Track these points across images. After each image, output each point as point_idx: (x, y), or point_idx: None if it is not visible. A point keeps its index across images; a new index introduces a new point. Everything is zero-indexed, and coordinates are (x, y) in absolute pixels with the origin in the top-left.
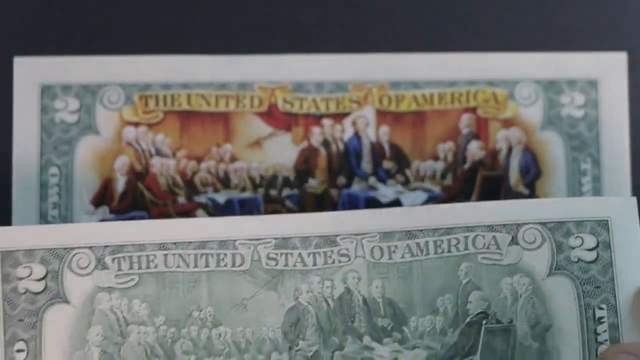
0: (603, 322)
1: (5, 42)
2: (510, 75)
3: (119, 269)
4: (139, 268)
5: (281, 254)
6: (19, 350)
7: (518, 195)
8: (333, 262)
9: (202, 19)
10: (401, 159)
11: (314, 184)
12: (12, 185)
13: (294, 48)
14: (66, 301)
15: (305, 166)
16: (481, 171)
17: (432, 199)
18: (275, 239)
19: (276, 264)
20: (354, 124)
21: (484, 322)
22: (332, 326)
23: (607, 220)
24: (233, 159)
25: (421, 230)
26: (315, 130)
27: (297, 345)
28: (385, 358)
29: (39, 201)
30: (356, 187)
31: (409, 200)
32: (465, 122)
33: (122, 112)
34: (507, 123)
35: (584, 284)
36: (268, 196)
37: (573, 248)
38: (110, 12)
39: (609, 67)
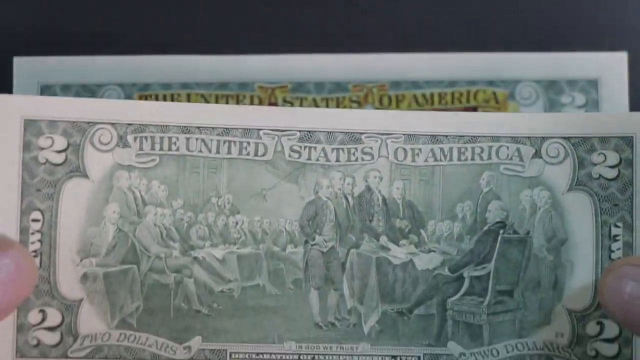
0: (618, 240)
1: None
2: (511, 75)
3: (141, 148)
4: (161, 149)
5: (305, 147)
6: (34, 220)
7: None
8: (356, 159)
9: (202, 21)
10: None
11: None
12: None
13: (294, 48)
14: (85, 175)
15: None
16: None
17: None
18: (300, 131)
19: (299, 157)
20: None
21: (501, 231)
22: (349, 223)
23: (632, 137)
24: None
25: (446, 136)
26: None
27: (313, 240)
28: (400, 259)
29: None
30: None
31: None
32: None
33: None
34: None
35: (602, 201)
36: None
37: (595, 164)
38: (109, 13)
39: (609, 67)
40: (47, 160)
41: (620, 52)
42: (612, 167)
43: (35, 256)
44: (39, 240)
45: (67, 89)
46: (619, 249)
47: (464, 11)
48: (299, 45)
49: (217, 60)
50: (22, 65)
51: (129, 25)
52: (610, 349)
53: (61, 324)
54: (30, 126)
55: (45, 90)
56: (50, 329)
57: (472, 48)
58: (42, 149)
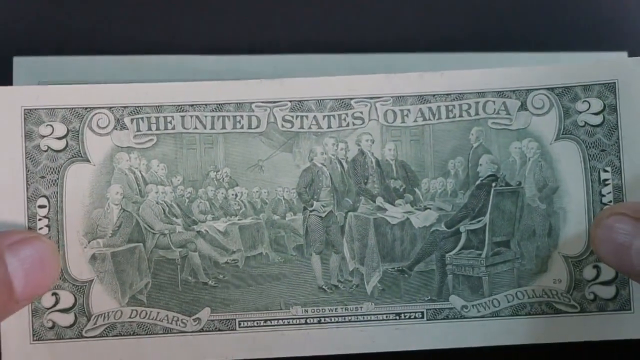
0: (608, 184)
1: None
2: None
3: (138, 130)
4: (157, 129)
5: (296, 116)
6: (40, 206)
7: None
8: (347, 124)
9: (202, 22)
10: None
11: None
12: None
13: (294, 48)
14: (87, 160)
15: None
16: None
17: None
18: (291, 101)
19: (292, 126)
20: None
21: (493, 184)
22: (345, 187)
23: (615, 83)
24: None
25: (433, 95)
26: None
27: (312, 206)
28: (397, 219)
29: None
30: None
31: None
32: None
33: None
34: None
35: (589, 147)
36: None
37: (580, 112)
38: (108, 13)
39: (627, 69)
40: (48, 147)
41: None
42: (596, 113)
43: None
44: (47, 226)
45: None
46: (609, 192)
47: (469, 13)
48: (301, 45)
49: (217, 60)
50: (22, 65)
51: (129, 25)
52: (608, 292)
53: (74, 305)
54: (30, 115)
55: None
56: (64, 310)
57: (480, 48)
58: (43, 136)
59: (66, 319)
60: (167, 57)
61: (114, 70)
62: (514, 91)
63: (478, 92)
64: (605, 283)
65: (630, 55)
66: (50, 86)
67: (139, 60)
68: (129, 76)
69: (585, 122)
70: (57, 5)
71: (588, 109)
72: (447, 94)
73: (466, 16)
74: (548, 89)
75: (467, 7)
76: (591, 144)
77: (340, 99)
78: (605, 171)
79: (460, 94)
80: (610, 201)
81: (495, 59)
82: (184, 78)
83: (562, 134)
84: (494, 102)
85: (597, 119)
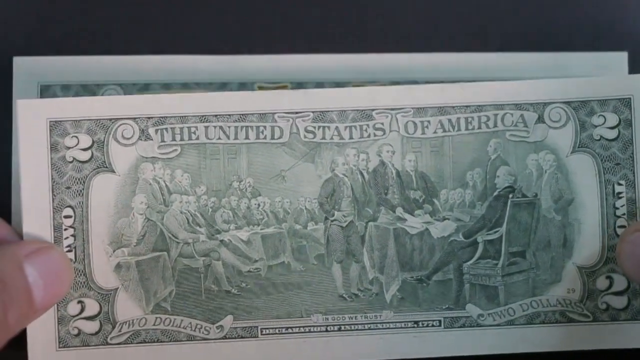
0: (622, 197)
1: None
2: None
3: (162, 140)
4: (181, 139)
5: (319, 127)
6: (66, 216)
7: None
8: (369, 135)
9: (207, 23)
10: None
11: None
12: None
13: (295, 48)
14: (112, 170)
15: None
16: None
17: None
18: (314, 112)
19: (314, 137)
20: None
21: (510, 195)
22: (366, 198)
23: (630, 98)
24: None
25: (453, 107)
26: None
27: (333, 216)
28: (416, 229)
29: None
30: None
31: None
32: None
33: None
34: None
35: (604, 160)
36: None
37: (596, 126)
38: (108, 13)
39: None
40: (74, 158)
41: None
42: (612, 128)
43: (70, 251)
44: (73, 235)
45: (66, 89)
46: (622, 205)
47: (468, 13)
48: (301, 45)
49: (217, 60)
50: (22, 65)
51: (129, 25)
52: (620, 302)
53: (99, 312)
54: (56, 127)
55: (45, 90)
56: (89, 318)
57: (479, 49)
58: (69, 148)
59: (91, 327)
60: (168, 57)
61: (114, 71)
62: (531, 104)
63: (496, 105)
64: (618, 293)
65: (631, 55)
66: (76, 98)
67: (139, 60)
68: (129, 77)
69: (601, 136)
70: (57, 6)
71: (604, 123)
72: (467, 106)
73: (465, 16)
74: (565, 102)
75: (466, 7)
76: (606, 157)
77: (362, 110)
78: (620, 184)
79: (479, 106)
80: (624, 214)
81: (494, 60)
82: (184, 79)
83: (578, 147)
84: (512, 114)
85: (613, 133)
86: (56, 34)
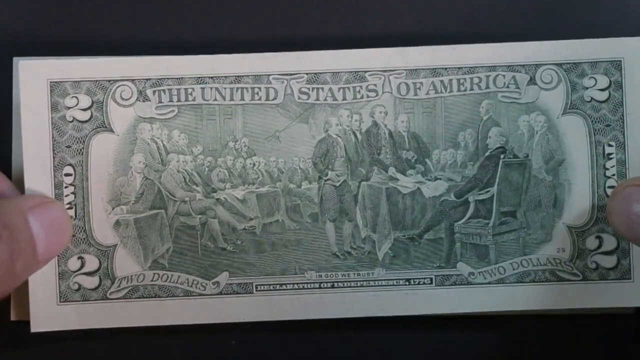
0: (612, 158)
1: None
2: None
3: (160, 101)
4: (178, 100)
5: (313, 88)
6: (67, 174)
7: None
8: (362, 97)
9: (210, 17)
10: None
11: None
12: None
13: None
14: (110, 130)
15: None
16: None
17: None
18: (307, 74)
19: (308, 98)
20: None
21: (502, 156)
22: (359, 158)
23: (621, 61)
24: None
25: (446, 69)
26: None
27: (326, 175)
28: (408, 188)
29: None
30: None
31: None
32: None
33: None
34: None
35: (595, 122)
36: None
37: (587, 88)
38: (108, 13)
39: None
40: (74, 118)
41: None
42: (602, 90)
43: (70, 208)
44: (73, 193)
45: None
46: (612, 166)
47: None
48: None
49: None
50: (22, 65)
51: (129, 25)
52: (610, 261)
53: (99, 268)
54: (56, 88)
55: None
56: (89, 273)
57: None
58: (69, 108)
59: (91, 282)
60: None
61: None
62: (523, 65)
63: (489, 66)
64: (607, 253)
65: None
66: (75, 59)
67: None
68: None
69: (592, 98)
70: (57, 6)
71: (594, 85)
72: (459, 68)
73: (465, 6)
74: (557, 64)
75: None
76: (597, 119)
77: (355, 72)
78: (610, 145)
79: (471, 67)
80: (614, 174)
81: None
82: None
83: (569, 109)
84: (504, 76)
85: (603, 95)
86: (56, 34)
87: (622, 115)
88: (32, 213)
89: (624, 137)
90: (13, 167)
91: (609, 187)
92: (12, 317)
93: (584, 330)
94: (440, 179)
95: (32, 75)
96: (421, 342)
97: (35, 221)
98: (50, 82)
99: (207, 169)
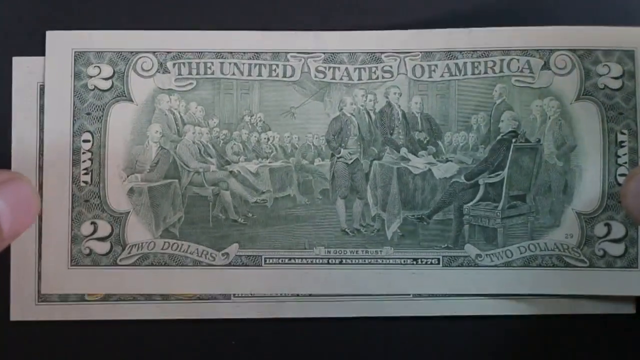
0: (624, 146)
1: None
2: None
3: (179, 74)
4: (197, 73)
5: (329, 67)
6: (85, 141)
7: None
8: (377, 77)
9: None
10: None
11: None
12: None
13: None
14: (130, 99)
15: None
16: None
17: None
18: (325, 53)
19: (324, 77)
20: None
21: (513, 140)
22: (372, 137)
23: (634, 51)
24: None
25: (461, 52)
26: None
27: (339, 153)
28: (419, 169)
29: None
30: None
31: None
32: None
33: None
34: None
35: (608, 109)
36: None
37: (600, 75)
38: (108, 13)
39: None
40: (95, 86)
41: None
42: (616, 78)
43: (86, 173)
44: (90, 159)
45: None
46: (624, 154)
47: None
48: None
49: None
50: (22, 65)
51: (129, 26)
52: (617, 249)
53: (110, 234)
54: (80, 57)
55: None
56: (101, 239)
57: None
58: (91, 77)
59: (102, 247)
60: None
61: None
62: (537, 50)
63: (503, 50)
64: (615, 241)
65: None
66: (99, 31)
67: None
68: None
69: (605, 85)
70: (57, 6)
71: (608, 73)
72: (474, 51)
73: None
74: (571, 50)
75: None
76: (610, 106)
77: (372, 53)
78: (622, 133)
79: (486, 51)
80: (626, 162)
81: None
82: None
83: (583, 95)
84: (518, 60)
85: (617, 83)
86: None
87: (635, 105)
88: None
89: (636, 125)
90: (13, 166)
91: (620, 174)
92: (12, 317)
93: (584, 330)
94: (451, 160)
95: (58, 45)
96: (421, 342)
97: (1, 199)
98: (75, 51)
99: (222, 141)
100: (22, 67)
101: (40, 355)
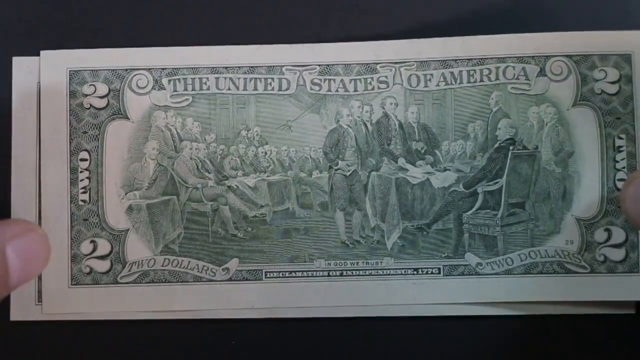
0: (622, 151)
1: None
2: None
3: (175, 90)
4: (193, 89)
5: (325, 79)
6: (82, 159)
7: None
8: (373, 88)
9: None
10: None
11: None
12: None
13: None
14: (126, 117)
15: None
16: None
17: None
18: (320, 65)
19: (320, 89)
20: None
21: (511, 147)
22: (369, 148)
23: (630, 55)
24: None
25: (456, 60)
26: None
27: (337, 165)
28: (418, 179)
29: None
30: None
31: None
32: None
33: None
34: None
35: (605, 114)
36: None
37: (597, 80)
38: (108, 13)
39: None
40: (91, 105)
41: None
42: (613, 82)
43: (85, 192)
44: (87, 178)
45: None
46: (622, 159)
47: None
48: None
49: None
50: (22, 65)
51: (129, 26)
52: (618, 254)
53: (110, 252)
54: (75, 76)
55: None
56: (101, 257)
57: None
58: (86, 95)
59: (103, 265)
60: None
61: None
62: (533, 57)
63: (499, 58)
64: (616, 246)
65: None
66: (94, 50)
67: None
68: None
69: (602, 90)
70: (57, 5)
71: (605, 78)
72: (469, 59)
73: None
74: (566, 56)
75: None
76: (607, 111)
77: (367, 64)
78: (620, 138)
79: (481, 59)
80: (624, 167)
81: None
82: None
83: (579, 101)
84: (513, 67)
85: (614, 88)
86: (56, 34)
87: (633, 109)
88: (12, 243)
89: (634, 130)
90: (13, 167)
91: (619, 179)
92: (12, 317)
93: (584, 330)
94: (449, 169)
95: (53, 64)
96: (421, 342)
97: (13, 251)
98: (70, 70)
99: (219, 156)
100: (22, 67)
101: (40, 355)
